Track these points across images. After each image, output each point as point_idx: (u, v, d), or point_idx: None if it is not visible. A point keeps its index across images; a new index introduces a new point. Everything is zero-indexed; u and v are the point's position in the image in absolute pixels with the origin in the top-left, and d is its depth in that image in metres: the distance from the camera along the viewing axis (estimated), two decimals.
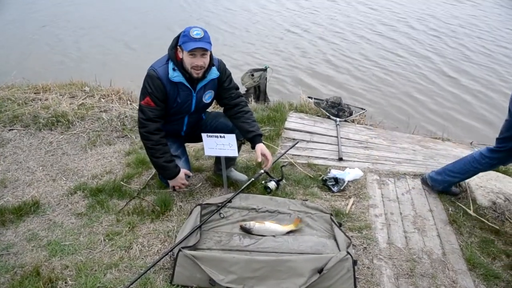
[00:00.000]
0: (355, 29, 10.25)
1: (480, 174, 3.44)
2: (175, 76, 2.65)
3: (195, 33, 2.55)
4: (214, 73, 2.77)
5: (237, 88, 2.99)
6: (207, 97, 2.87)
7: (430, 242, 2.75)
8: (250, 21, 10.68)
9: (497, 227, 2.92)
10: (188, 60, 2.61)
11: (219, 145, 2.83)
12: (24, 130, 4.19)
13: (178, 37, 2.67)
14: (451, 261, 2.58)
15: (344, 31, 10.09)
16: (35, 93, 4.97)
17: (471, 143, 4.85)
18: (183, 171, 2.89)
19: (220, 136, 2.82)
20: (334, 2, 12.53)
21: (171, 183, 2.91)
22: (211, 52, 2.68)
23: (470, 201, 3.14)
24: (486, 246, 2.73)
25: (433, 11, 12.06)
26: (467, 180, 3.32)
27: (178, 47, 2.65)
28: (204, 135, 2.84)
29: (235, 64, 7.60)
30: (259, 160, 2.87)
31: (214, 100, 3.00)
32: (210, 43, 2.60)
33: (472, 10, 12.36)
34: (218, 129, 2.98)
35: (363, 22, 10.82)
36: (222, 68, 2.85)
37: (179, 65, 2.66)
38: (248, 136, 2.89)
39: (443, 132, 4.97)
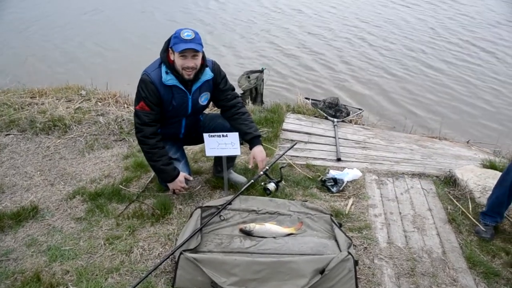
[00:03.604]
0: (352, 28, 10.28)
1: (478, 172, 3.47)
2: (169, 79, 2.65)
3: (186, 35, 2.55)
4: (208, 74, 2.76)
5: (233, 89, 2.99)
6: (203, 99, 2.86)
7: (430, 241, 2.76)
8: (251, 17, 10.70)
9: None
10: (179, 62, 2.61)
11: (221, 144, 2.82)
12: (21, 135, 4.17)
13: (169, 39, 2.66)
14: (451, 260, 2.59)
15: (340, 30, 10.12)
16: (31, 98, 4.93)
17: (467, 142, 4.88)
18: (182, 174, 2.89)
19: (223, 135, 2.81)
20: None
21: (171, 186, 2.91)
22: (203, 53, 2.69)
23: (469, 200, 3.15)
24: (485, 244, 2.74)
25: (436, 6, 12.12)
26: (465, 179, 3.34)
27: (169, 49, 2.64)
28: (205, 135, 2.83)
29: (230, 64, 7.60)
30: (251, 166, 2.92)
31: (211, 102, 2.99)
32: (201, 44, 2.61)
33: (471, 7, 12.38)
34: (216, 130, 2.96)
35: (362, 20, 10.86)
36: (216, 69, 2.84)
37: (172, 67, 2.65)
38: (246, 138, 2.89)
39: (440, 131, 5.00)
